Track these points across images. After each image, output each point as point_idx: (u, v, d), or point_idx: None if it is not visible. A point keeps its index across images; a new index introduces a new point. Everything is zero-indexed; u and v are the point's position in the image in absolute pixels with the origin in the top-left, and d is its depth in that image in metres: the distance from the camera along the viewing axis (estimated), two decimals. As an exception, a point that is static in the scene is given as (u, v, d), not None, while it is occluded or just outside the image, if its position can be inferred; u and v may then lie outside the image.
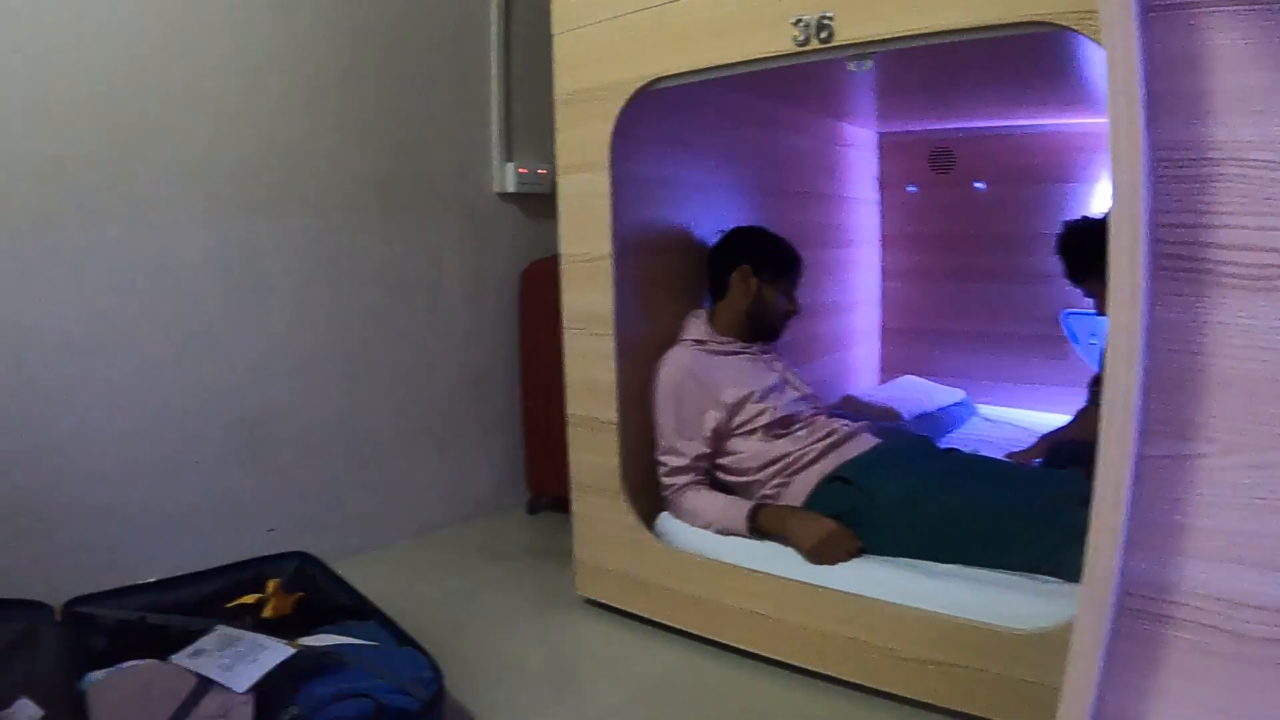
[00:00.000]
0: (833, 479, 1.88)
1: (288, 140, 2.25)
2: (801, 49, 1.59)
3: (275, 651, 1.49)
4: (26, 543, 1.91)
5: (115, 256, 2.00)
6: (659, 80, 1.80)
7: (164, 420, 2.10)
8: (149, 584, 1.82)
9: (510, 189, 2.73)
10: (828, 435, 1.98)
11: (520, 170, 2.74)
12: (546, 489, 2.77)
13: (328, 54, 2.31)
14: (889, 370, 3.36)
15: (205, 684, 1.41)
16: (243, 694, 1.39)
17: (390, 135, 2.46)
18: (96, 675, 1.52)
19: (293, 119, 2.25)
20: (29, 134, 1.86)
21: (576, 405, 2.04)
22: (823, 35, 1.55)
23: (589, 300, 1.97)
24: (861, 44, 1.53)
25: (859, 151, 3.22)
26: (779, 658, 1.75)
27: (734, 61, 1.69)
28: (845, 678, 1.65)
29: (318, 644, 1.54)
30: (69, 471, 1.96)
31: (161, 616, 1.70)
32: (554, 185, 2.01)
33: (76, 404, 1.96)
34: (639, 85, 1.82)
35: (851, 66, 1.69)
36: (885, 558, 1.72)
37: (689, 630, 1.89)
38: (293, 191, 2.27)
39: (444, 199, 2.61)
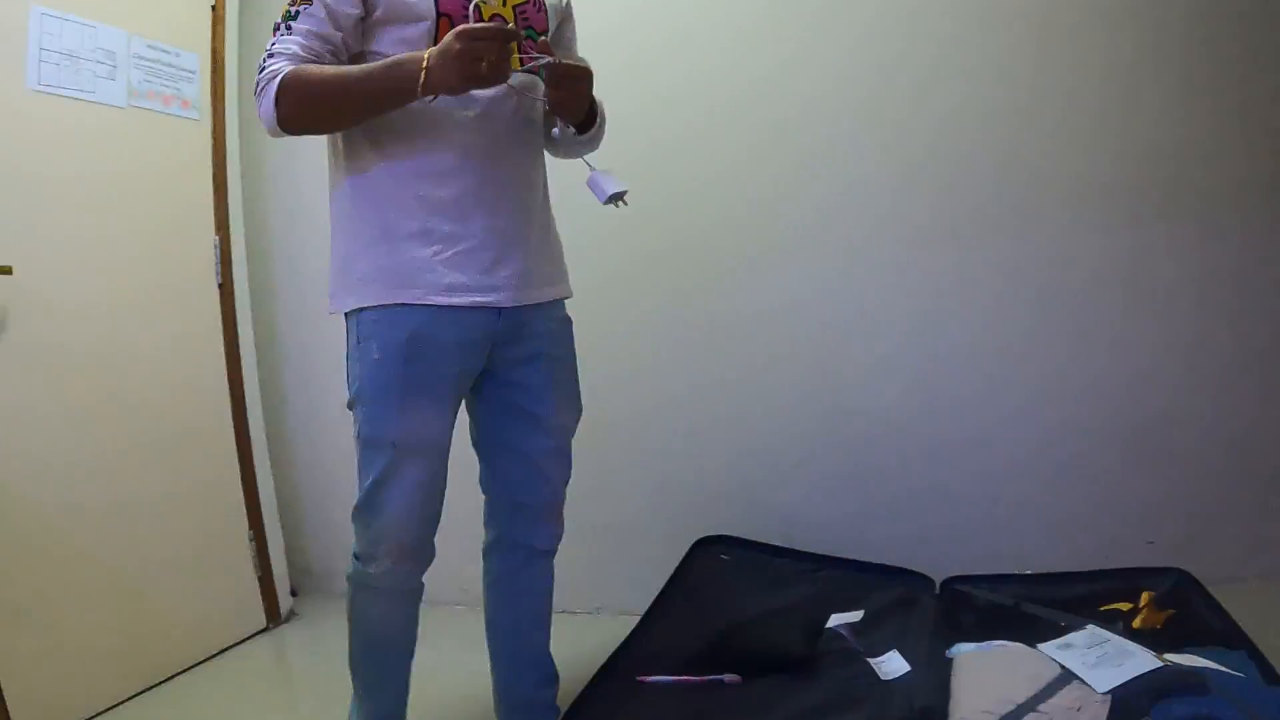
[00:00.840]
0: None
1: (1168, 143, 2.24)
2: None
3: (1141, 660, 1.52)
4: (918, 522, 2.34)
5: (1008, 265, 2.30)
6: None
7: (1053, 425, 2.30)
8: (1025, 575, 2.03)
9: None
10: None
11: None
12: None
13: (1200, 53, 2.22)
14: None
15: (1067, 676, 1.53)
16: (1102, 694, 1.46)
17: (1273, 131, 2.22)
18: (965, 646, 1.75)
19: (1171, 121, 2.23)
20: (930, 156, 2.31)
21: None
22: None
23: None
24: None
25: None
26: None
27: None
28: None
29: (1183, 663, 1.51)
30: (961, 467, 2.34)
31: (1035, 606, 1.88)
32: None
33: (972, 413, 2.33)
34: None
35: None
36: None
37: None
38: (1178, 196, 2.24)
39: (1340, 196, 2.25)
